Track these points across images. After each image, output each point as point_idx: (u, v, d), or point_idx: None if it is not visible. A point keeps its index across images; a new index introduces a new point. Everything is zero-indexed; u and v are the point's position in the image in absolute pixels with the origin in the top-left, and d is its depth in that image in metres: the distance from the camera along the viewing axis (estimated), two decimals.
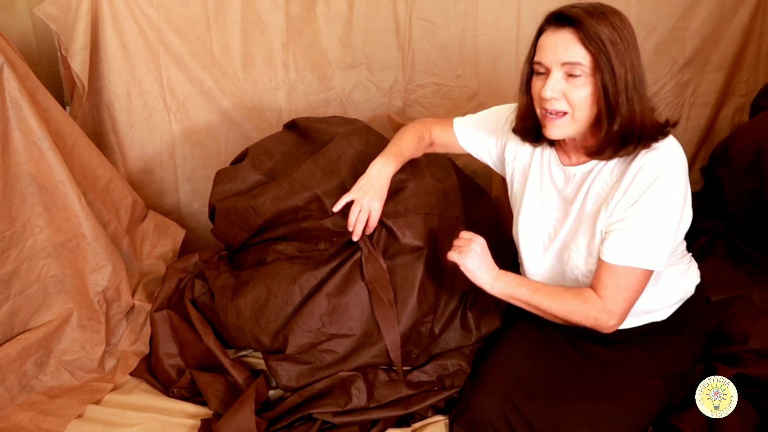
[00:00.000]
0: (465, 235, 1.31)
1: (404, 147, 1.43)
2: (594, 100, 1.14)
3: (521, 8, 1.95)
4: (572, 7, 1.14)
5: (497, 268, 1.29)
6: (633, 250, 1.17)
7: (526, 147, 1.36)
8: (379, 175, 1.38)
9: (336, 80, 2.02)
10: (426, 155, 1.77)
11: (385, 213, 1.42)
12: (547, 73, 1.16)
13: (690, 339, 1.35)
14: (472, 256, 1.26)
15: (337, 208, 1.39)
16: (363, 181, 1.38)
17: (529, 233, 1.35)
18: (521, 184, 1.38)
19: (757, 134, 1.72)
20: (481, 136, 1.45)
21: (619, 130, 1.15)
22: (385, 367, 1.46)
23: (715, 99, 2.08)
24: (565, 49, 1.13)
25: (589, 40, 1.11)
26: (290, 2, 1.93)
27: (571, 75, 1.14)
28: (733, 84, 2.08)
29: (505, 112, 1.41)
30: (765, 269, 1.60)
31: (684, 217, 1.22)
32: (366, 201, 1.37)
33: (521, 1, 1.94)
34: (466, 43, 1.98)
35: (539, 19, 1.18)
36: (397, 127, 2.05)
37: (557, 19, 1.15)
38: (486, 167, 1.96)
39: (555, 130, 1.19)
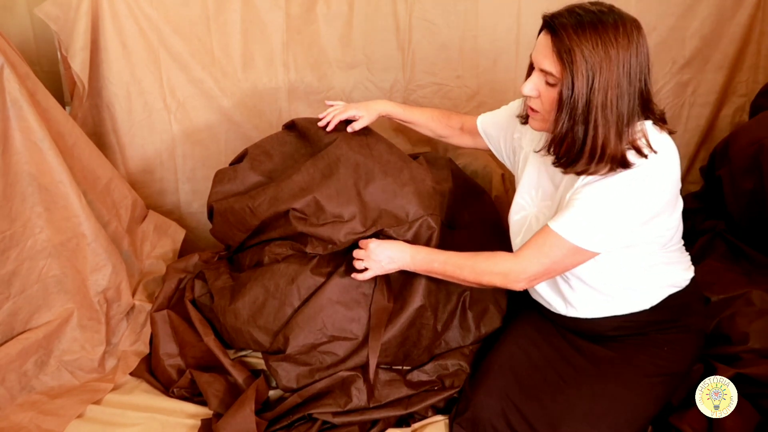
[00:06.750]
0: (357, 253, 1.40)
1: (416, 109, 1.59)
2: (558, 106, 1.16)
3: (521, 8, 1.95)
4: (570, 11, 1.13)
5: (409, 248, 1.37)
6: (573, 223, 1.18)
7: (533, 135, 1.38)
8: (375, 102, 1.58)
9: (336, 80, 2.02)
10: (426, 156, 1.77)
11: (387, 224, 1.42)
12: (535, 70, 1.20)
13: (687, 338, 1.35)
14: (377, 260, 1.36)
15: (322, 123, 1.55)
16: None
17: (520, 215, 1.38)
18: (522, 169, 1.41)
19: (757, 134, 1.72)
20: (497, 126, 1.52)
21: (566, 144, 1.16)
22: (386, 366, 1.46)
23: (715, 99, 2.08)
24: (543, 56, 1.15)
25: (561, 53, 1.11)
26: (290, 2, 1.92)
27: (546, 81, 1.17)
28: (733, 84, 2.08)
29: (519, 103, 1.44)
30: (765, 269, 1.60)
31: (660, 222, 1.21)
32: (349, 106, 1.55)
33: (521, 1, 1.94)
34: (466, 43, 1.98)
35: (539, 19, 1.19)
36: (397, 127, 2.06)
37: (545, 24, 1.16)
38: (486, 167, 1.97)
39: (532, 123, 1.28)
